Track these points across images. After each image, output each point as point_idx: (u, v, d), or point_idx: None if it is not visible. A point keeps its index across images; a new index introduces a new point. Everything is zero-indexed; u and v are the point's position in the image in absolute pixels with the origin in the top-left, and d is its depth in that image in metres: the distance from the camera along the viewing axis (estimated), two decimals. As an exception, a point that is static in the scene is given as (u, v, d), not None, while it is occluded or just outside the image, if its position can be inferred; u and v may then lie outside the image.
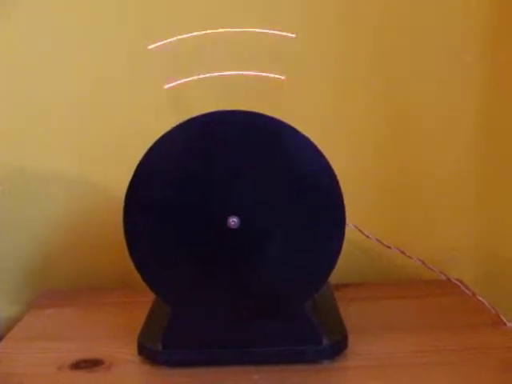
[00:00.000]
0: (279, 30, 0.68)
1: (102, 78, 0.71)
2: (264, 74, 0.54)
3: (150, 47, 0.54)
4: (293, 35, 0.55)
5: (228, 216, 0.50)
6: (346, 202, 0.51)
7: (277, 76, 0.53)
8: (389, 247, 0.58)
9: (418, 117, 0.72)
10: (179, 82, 0.54)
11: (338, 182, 0.50)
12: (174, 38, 0.54)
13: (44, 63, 0.71)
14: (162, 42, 0.54)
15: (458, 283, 0.60)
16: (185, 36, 0.54)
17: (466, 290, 0.60)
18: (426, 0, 0.70)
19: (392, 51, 0.71)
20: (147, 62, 0.69)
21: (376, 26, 0.70)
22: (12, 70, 0.71)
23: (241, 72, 0.56)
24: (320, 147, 0.50)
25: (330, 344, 0.54)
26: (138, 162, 0.50)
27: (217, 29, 0.56)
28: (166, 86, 0.54)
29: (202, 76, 0.54)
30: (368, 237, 0.57)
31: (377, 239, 0.58)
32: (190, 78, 0.54)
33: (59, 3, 0.69)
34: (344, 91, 0.72)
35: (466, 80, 0.71)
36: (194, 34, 0.54)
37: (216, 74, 0.53)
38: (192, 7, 0.69)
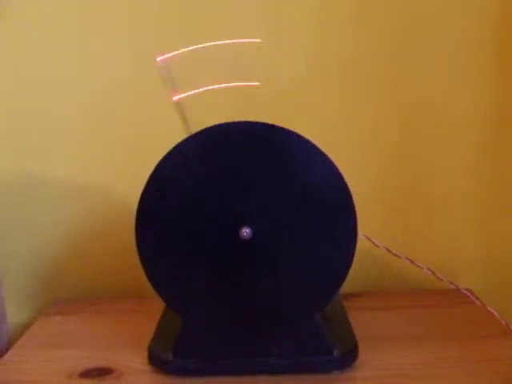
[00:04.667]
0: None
1: (114, 83, 0.71)
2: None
3: (158, 59, 0.54)
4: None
5: (240, 227, 0.50)
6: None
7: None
8: (398, 256, 0.58)
9: (427, 126, 0.72)
10: (186, 94, 0.54)
11: (350, 194, 0.50)
12: (187, 49, 0.54)
13: (53, 67, 0.71)
14: (172, 54, 0.54)
15: (468, 293, 0.60)
16: (198, 46, 0.54)
17: (476, 301, 0.59)
18: (435, 2, 0.70)
19: (402, 61, 0.71)
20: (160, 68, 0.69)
21: (384, 29, 0.70)
22: (20, 73, 0.71)
23: (251, 83, 0.56)
24: (330, 157, 0.50)
25: (341, 354, 0.53)
26: (150, 171, 0.51)
27: (228, 39, 0.56)
28: (173, 99, 0.54)
29: (211, 87, 0.54)
30: (377, 246, 0.57)
31: (386, 248, 0.58)
32: (197, 90, 0.54)
33: (70, 5, 0.70)
34: (353, 101, 0.72)
35: (475, 86, 0.71)
36: (210, 43, 0.54)
37: (230, 84, 0.53)
38: (205, 17, 0.69)
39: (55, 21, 0.70)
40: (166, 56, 0.54)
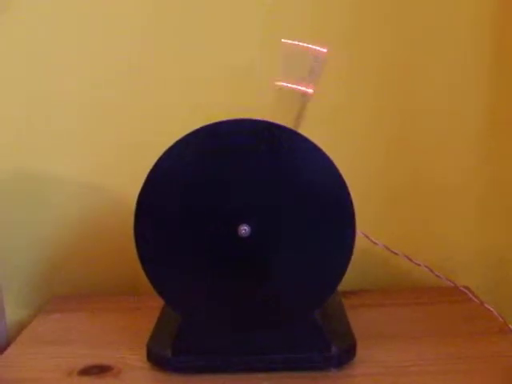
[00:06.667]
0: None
1: (113, 84, 0.71)
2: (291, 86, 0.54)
3: (283, 40, 0.54)
4: (324, 50, 0.54)
5: (239, 224, 0.50)
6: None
7: (305, 89, 0.53)
8: (396, 254, 0.58)
9: (426, 126, 0.72)
10: (290, 85, 0.54)
11: (348, 191, 0.50)
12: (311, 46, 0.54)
13: (53, 67, 0.71)
14: (297, 43, 0.54)
15: (466, 290, 0.60)
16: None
17: (474, 298, 0.60)
18: (434, 8, 0.70)
19: (400, 59, 0.71)
20: (160, 66, 0.69)
21: (384, 27, 0.70)
22: (20, 73, 0.71)
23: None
24: (329, 154, 0.51)
25: (339, 352, 0.54)
26: (149, 169, 0.51)
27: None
28: (277, 83, 0.53)
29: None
30: (375, 243, 0.57)
31: (384, 246, 0.58)
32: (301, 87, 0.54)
33: (70, 6, 0.70)
34: (351, 100, 0.72)
35: (472, 87, 0.71)
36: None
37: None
38: (200, 15, 0.70)
39: (55, 21, 0.70)
40: (291, 42, 0.54)
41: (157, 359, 0.55)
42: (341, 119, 0.72)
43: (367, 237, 0.57)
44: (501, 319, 0.58)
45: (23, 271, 0.75)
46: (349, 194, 0.51)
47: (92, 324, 0.64)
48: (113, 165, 0.73)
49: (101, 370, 0.55)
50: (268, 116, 0.50)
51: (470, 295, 0.60)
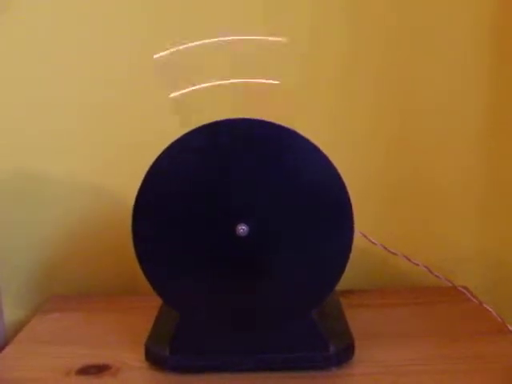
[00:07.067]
0: (286, 36, 0.69)
1: (113, 83, 0.71)
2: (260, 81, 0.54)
3: (155, 56, 0.54)
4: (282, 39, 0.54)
5: (237, 224, 0.50)
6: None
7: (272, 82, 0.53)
8: (395, 254, 0.58)
9: (426, 126, 0.72)
10: (184, 91, 0.54)
11: (347, 191, 0.50)
12: (183, 47, 0.54)
13: (53, 67, 0.71)
14: (169, 51, 0.54)
15: (464, 290, 0.60)
16: (195, 43, 0.54)
17: (472, 298, 0.60)
18: (434, 6, 0.70)
19: (399, 59, 0.71)
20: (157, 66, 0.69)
21: (383, 25, 0.70)
22: (19, 73, 0.71)
23: (247, 80, 0.56)
24: (328, 154, 0.51)
25: (337, 351, 0.54)
26: (147, 169, 0.51)
27: (223, 37, 0.56)
28: (170, 96, 0.54)
29: (207, 84, 0.54)
30: (374, 243, 0.57)
31: (383, 246, 0.58)
32: (195, 87, 0.54)
33: (70, 6, 0.70)
34: (350, 100, 0.72)
35: (472, 87, 0.71)
36: (203, 41, 0.54)
37: (226, 81, 0.53)
38: (199, 15, 0.70)
39: (55, 21, 0.70)
40: (163, 53, 0.54)
41: (155, 359, 0.55)
42: (341, 119, 0.72)
43: (366, 236, 0.57)
44: (499, 319, 0.58)
45: (23, 271, 0.75)
46: (347, 195, 0.51)
47: (90, 323, 0.64)
48: (112, 165, 0.73)
49: (99, 369, 0.55)
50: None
51: (469, 295, 0.60)
